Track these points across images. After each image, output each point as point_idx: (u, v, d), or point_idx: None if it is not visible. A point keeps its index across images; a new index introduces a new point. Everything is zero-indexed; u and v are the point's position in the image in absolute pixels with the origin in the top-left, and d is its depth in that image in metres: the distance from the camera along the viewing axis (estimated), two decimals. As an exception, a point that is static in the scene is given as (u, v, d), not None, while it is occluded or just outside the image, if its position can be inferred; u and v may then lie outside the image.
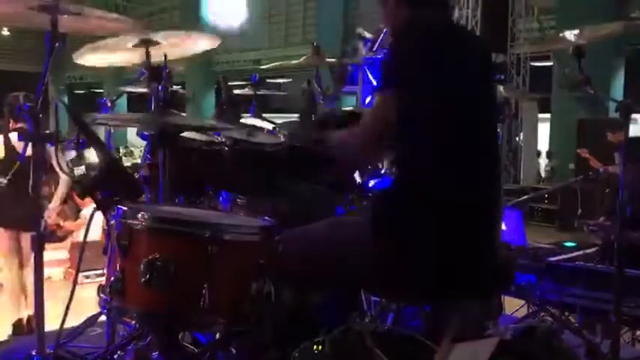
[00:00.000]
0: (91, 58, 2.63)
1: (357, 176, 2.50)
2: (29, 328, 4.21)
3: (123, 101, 13.54)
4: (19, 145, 3.87)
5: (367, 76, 6.41)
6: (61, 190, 4.51)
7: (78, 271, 2.26)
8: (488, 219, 1.87)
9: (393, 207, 1.80)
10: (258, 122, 2.82)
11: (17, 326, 4.30)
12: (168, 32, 2.46)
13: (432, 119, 1.74)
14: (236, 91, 3.32)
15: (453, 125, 1.76)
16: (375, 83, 6.31)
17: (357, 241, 1.80)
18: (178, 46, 2.54)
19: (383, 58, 1.93)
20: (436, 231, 1.73)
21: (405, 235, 1.74)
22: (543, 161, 12.82)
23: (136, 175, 2.37)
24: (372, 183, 2.63)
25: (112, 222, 1.70)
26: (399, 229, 1.75)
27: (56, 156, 2.50)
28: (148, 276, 1.56)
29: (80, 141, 1.93)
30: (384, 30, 3.28)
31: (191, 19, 18.76)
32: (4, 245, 4.32)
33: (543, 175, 12.54)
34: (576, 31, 2.50)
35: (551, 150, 12.33)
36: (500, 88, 3.43)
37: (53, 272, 6.15)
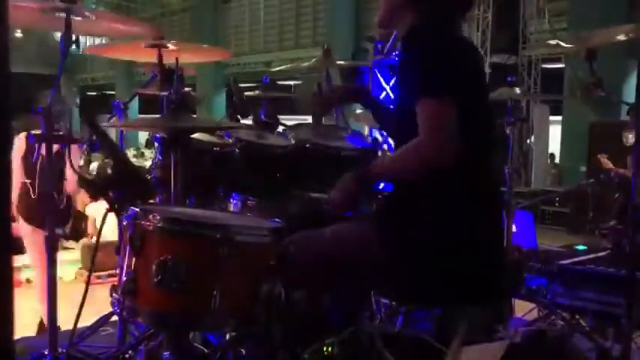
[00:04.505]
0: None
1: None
2: (43, 328, 4.24)
3: (134, 102, 13.61)
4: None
5: (377, 78, 6.42)
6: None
7: (91, 272, 2.29)
8: (497, 222, 1.87)
9: (402, 209, 1.80)
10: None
11: (42, 324, 4.33)
12: (180, 43, 2.48)
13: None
14: (247, 93, 3.33)
15: (467, 131, 1.76)
16: (385, 85, 6.31)
17: (367, 244, 1.81)
18: (190, 54, 2.56)
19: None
20: (445, 233, 1.74)
21: (414, 237, 1.74)
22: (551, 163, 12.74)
23: (148, 177, 2.39)
24: (381, 185, 2.63)
25: (124, 223, 1.71)
26: (407, 231, 1.75)
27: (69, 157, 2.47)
28: (159, 277, 1.57)
29: (93, 142, 1.95)
30: (395, 33, 3.28)
31: (203, 22, 18.78)
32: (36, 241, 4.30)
33: (553, 178, 12.47)
34: (588, 34, 2.49)
35: (561, 153, 12.26)
36: (517, 90, 3.42)
37: (65, 272, 6.19)
